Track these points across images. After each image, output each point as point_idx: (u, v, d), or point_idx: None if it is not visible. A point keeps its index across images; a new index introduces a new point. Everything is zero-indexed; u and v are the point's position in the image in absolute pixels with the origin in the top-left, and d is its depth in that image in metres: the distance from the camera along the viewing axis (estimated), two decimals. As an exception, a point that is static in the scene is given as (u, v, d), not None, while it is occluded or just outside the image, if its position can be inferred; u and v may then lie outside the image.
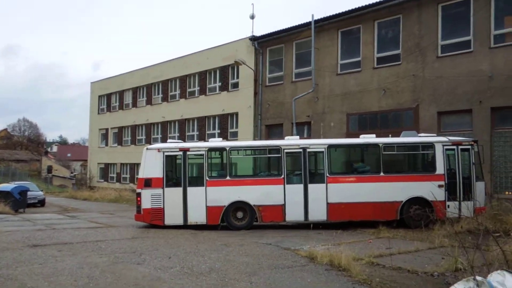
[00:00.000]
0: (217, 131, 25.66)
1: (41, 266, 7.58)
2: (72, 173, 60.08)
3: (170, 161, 13.72)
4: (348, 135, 18.25)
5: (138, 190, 13.48)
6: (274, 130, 22.17)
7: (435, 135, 14.17)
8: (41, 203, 25.74)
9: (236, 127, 24.42)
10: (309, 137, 20.01)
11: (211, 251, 9.05)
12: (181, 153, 13.55)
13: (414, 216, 12.64)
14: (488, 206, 12.73)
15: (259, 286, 6.30)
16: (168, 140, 15.87)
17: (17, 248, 9.49)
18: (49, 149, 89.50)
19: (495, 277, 4.94)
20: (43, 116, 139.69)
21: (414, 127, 16.31)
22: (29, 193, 22.10)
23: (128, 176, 32.77)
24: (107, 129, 36.09)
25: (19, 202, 20.54)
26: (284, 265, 7.73)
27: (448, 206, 12.40)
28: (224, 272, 7.11)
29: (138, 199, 13.37)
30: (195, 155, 13.77)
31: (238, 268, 7.45)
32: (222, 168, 13.77)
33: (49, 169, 49.14)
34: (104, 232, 12.66)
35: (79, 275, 6.92)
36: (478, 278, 4.85)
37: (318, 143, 13.83)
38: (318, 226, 13.09)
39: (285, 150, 13.33)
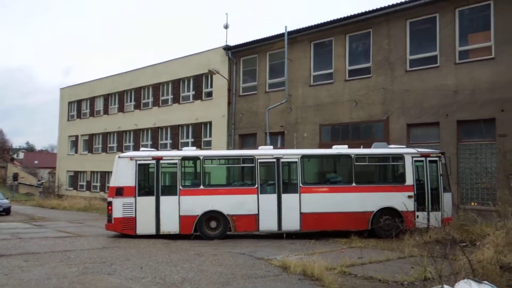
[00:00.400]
0: (190, 139, 25.49)
1: (6, 277, 7.34)
2: (39, 181, 58.26)
3: (142, 170, 13.53)
4: (321, 146, 18.50)
5: (110, 199, 13.24)
6: (247, 140, 22.24)
7: (404, 146, 14.54)
8: (7, 211, 24.86)
9: (210, 136, 24.35)
10: (282, 147, 20.17)
11: (183, 261, 8.98)
12: (154, 161, 13.40)
13: (384, 226, 12.91)
14: (455, 216, 13.14)
15: (232, 296, 6.30)
16: (141, 148, 15.67)
17: (-20, 258, 9.16)
18: (15, 156, 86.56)
19: (462, 285, 5.11)
20: (9, 122, 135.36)
21: (384, 138, 16.71)
22: (-7, 201, 21.33)
23: (98, 184, 32.03)
24: (77, 136, 35.23)
25: (-18, 210, 19.80)
26: (258, 275, 7.76)
27: (417, 216, 12.74)
28: (197, 282, 7.07)
29: (109, 208, 13.10)
30: (168, 163, 13.63)
31: (211, 278, 7.42)
32: (196, 177, 13.70)
33: (15, 177, 47.51)
34: (73, 241, 12.36)
35: (47, 286, 6.74)
36: (446, 286, 5.00)
37: (291, 153, 13.94)
38: (292, 235, 13.19)
39: (259, 160, 13.38)
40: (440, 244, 9.69)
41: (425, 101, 16.05)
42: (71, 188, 35.13)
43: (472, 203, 14.80)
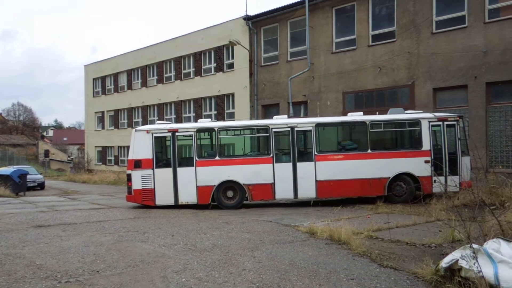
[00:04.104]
0: (213, 112, 25.66)
1: (47, 245, 7.73)
2: (69, 156, 60.02)
3: (159, 142, 13.75)
4: (345, 114, 18.27)
5: (129, 172, 13.58)
6: (270, 110, 22.20)
7: (421, 111, 14.23)
8: (41, 186, 25.93)
9: (233, 107, 24.44)
10: (306, 116, 20.09)
11: (213, 229, 9.22)
12: (170, 134, 13.57)
13: (395, 192, 12.92)
14: (484, 180, 12.91)
15: (262, 260, 6.45)
16: (157, 122, 15.84)
17: (21, 229, 9.64)
18: (44, 133, 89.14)
19: (491, 244, 5.09)
20: (38, 101, 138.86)
21: (410, 104, 16.42)
22: (28, 176, 22.26)
23: (126, 158, 32.75)
24: (103, 112, 35.95)
25: (19, 185, 20.70)
26: (286, 240, 7.91)
27: (435, 181, 12.60)
28: (227, 248, 7.27)
29: (129, 180, 13.50)
30: (183, 136, 13.71)
31: (240, 244, 7.62)
32: (211, 148, 13.85)
33: (46, 153, 49.18)
34: (106, 212, 12.82)
35: (86, 252, 7.08)
36: (475, 246, 4.99)
37: (306, 122, 13.80)
38: (318, 203, 13.30)
39: (273, 129, 13.37)
40: (468, 208, 9.63)
41: (452, 63, 15.60)
42: (100, 163, 36.16)
43: (500, 167, 14.52)
